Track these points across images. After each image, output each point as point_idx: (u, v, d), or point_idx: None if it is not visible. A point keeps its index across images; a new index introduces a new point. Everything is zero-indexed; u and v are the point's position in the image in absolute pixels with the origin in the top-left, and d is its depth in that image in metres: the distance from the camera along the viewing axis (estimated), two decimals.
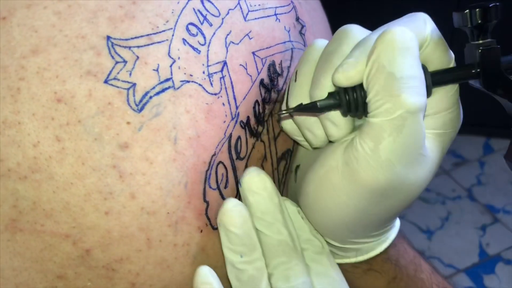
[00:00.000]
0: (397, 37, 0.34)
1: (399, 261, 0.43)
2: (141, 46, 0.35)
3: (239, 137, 0.41)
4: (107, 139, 0.34)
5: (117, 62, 0.34)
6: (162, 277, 0.37)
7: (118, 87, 0.34)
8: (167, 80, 0.36)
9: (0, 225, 0.32)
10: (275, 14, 0.44)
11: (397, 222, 0.44)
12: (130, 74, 0.35)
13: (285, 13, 0.46)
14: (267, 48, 0.43)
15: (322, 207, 0.38)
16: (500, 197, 1.94)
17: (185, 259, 0.38)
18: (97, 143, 0.34)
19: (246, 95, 0.42)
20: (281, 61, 0.45)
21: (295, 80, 0.41)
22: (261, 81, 0.43)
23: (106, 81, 0.34)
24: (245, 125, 0.42)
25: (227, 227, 0.38)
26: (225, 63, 0.40)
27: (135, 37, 0.35)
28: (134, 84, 0.35)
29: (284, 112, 0.39)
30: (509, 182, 1.94)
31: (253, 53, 0.42)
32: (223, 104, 0.39)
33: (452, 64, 0.37)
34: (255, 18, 0.43)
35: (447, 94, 0.37)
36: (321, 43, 0.40)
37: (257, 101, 0.43)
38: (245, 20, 0.42)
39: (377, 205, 0.36)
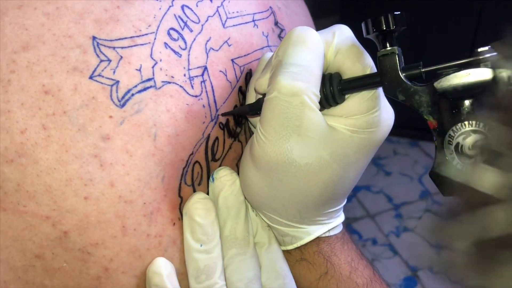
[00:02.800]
0: (294, 33, 0.40)
1: (332, 258, 0.46)
2: (125, 47, 0.39)
3: (216, 138, 0.45)
4: (90, 130, 0.37)
5: (101, 61, 0.38)
6: (134, 266, 0.40)
7: (102, 83, 0.38)
8: (149, 79, 0.40)
9: None
10: (253, 20, 0.49)
11: (338, 221, 0.47)
12: (114, 72, 0.38)
13: (264, 18, 0.50)
14: (245, 55, 0.47)
15: (244, 182, 0.44)
16: None
17: (156, 250, 0.41)
18: (80, 133, 0.37)
19: (226, 99, 0.45)
20: None
21: (247, 90, 0.46)
22: (239, 88, 0.47)
23: (91, 77, 0.38)
24: (224, 126, 0.45)
25: (192, 216, 0.41)
26: (205, 68, 0.43)
27: (119, 39, 0.39)
28: (118, 82, 0.38)
29: (223, 113, 0.45)
30: None
31: (232, 60, 0.46)
32: (203, 106, 0.43)
33: (368, 72, 0.40)
34: (234, 25, 0.47)
35: (361, 99, 0.40)
36: (269, 55, 0.46)
37: (236, 105, 0.46)
38: (223, 27, 0.46)
39: (281, 182, 0.41)
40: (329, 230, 0.46)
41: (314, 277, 0.46)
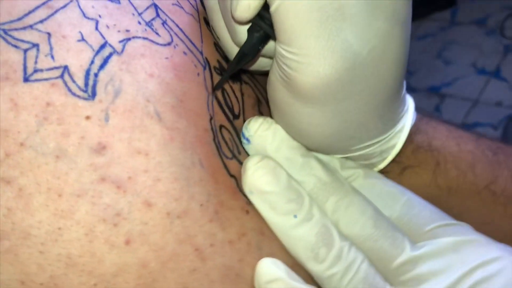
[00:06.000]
0: None
1: (432, 143, 0.36)
2: (45, 20, 0.25)
3: (223, 89, 0.32)
4: (72, 150, 0.24)
5: (25, 50, 0.24)
6: None
7: (47, 79, 0.24)
8: (102, 46, 0.26)
9: None
10: None
11: (409, 102, 0.35)
12: (53, 58, 0.25)
13: None
14: None
15: (297, 131, 0.32)
16: None
17: (250, 256, 0.28)
18: (63, 161, 0.23)
19: (202, 37, 0.33)
20: None
21: (218, 38, 0.33)
22: (205, 19, 0.34)
23: (26, 80, 0.24)
24: (221, 70, 0.33)
25: (262, 189, 0.29)
26: (155, 6, 0.31)
27: (30, 12, 0.25)
28: (66, 67, 0.25)
29: (217, 86, 0.32)
30: None
31: None
32: (185, 53, 0.30)
33: None
34: None
35: None
36: None
37: (215, 43, 0.34)
38: None
39: (349, 98, 0.28)
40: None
41: (427, 177, 0.36)
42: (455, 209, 0.36)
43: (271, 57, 0.32)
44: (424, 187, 0.36)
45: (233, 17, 0.29)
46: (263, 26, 0.29)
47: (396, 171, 0.35)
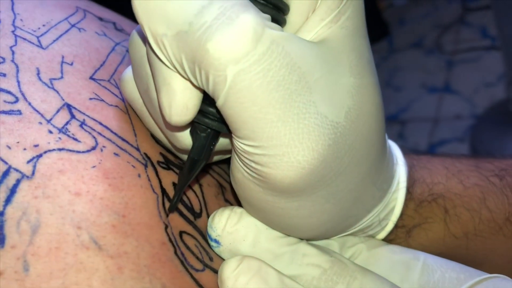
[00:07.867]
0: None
1: (434, 190, 0.31)
2: None
3: (174, 185, 0.26)
4: None
5: None
6: None
7: None
8: (5, 173, 0.20)
9: None
10: (73, 25, 0.31)
11: (395, 150, 0.31)
12: None
13: (82, 19, 0.32)
14: (102, 66, 0.29)
15: (286, 228, 0.26)
16: None
17: None
18: None
19: (134, 130, 0.27)
20: None
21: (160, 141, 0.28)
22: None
23: None
24: (168, 163, 0.27)
25: None
26: (67, 106, 0.25)
27: None
28: None
29: (171, 208, 0.25)
30: None
31: (93, 79, 0.28)
32: (116, 154, 0.24)
33: None
34: (54, 40, 0.29)
35: None
36: (128, 77, 0.26)
37: (151, 134, 0.28)
38: (43, 48, 0.27)
39: (338, 176, 0.24)
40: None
41: (439, 230, 0.31)
42: (479, 255, 0.31)
43: (227, 151, 0.27)
44: (438, 241, 0.30)
45: (168, 123, 0.23)
46: (210, 124, 0.24)
47: (401, 236, 0.30)
